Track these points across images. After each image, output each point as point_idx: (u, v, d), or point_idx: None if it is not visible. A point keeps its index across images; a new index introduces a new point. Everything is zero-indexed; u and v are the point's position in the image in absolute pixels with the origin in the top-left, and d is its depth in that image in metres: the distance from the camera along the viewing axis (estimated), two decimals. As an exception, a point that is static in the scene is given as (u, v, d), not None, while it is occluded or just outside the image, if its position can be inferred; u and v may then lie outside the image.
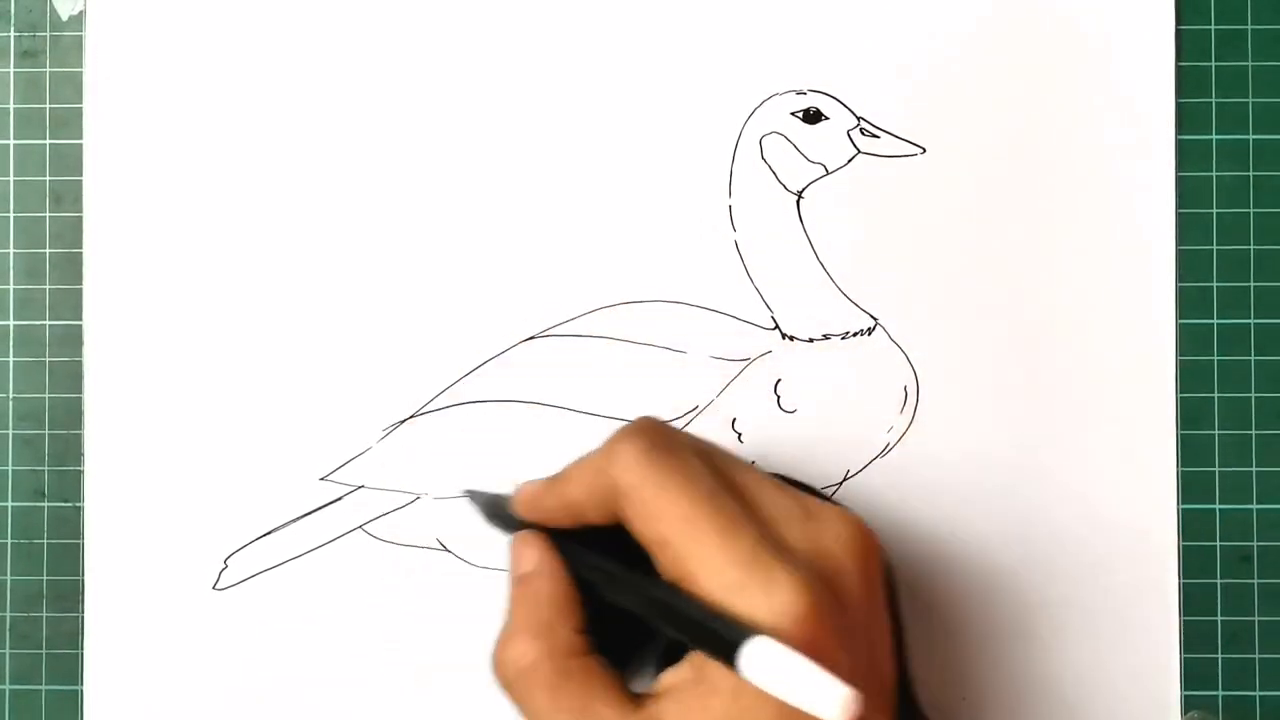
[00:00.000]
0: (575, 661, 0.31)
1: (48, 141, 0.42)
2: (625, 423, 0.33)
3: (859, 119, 0.42)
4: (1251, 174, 0.42)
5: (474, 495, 0.38)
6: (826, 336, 0.41)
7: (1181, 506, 0.41)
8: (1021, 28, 0.42)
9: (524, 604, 0.33)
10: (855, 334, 0.41)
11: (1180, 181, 0.42)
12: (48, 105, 0.42)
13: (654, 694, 0.31)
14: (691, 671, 0.30)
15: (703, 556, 0.30)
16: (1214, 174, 0.42)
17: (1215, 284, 0.42)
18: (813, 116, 0.42)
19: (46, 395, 0.42)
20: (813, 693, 0.27)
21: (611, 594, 0.32)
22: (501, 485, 0.40)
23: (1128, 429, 0.41)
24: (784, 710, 0.28)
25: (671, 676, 0.31)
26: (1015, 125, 0.42)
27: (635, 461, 0.31)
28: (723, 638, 0.28)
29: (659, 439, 0.32)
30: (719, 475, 0.31)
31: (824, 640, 0.29)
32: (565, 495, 0.33)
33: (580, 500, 0.32)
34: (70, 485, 0.42)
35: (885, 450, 0.41)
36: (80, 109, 0.42)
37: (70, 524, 0.42)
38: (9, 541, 0.42)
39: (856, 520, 0.32)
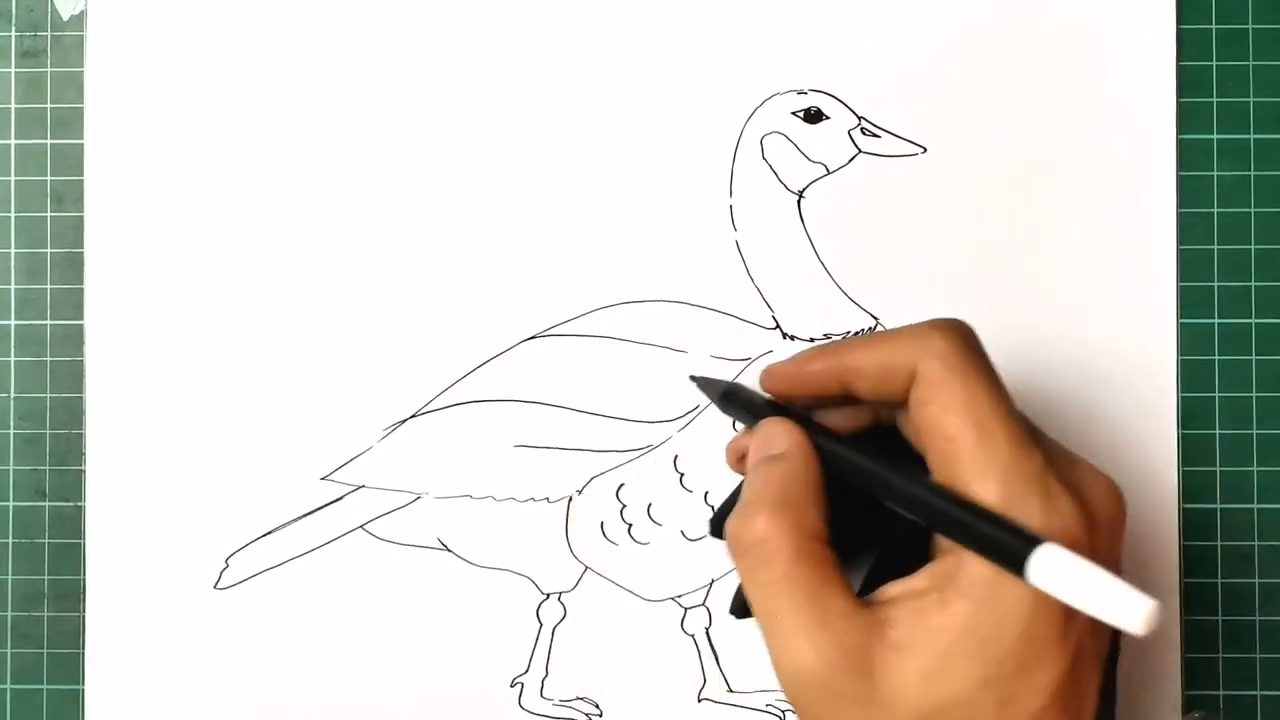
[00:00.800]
0: (816, 545, 0.31)
1: (49, 141, 0.42)
2: (936, 318, 0.32)
3: (860, 118, 0.42)
4: (1253, 173, 0.42)
5: (702, 381, 0.38)
6: (827, 336, 0.41)
7: (1183, 506, 0.41)
8: (1022, 27, 0.42)
9: (773, 482, 0.32)
10: (856, 333, 0.41)
11: (1181, 181, 0.42)
12: (49, 105, 0.42)
13: (881, 600, 0.30)
14: (929, 581, 0.30)
15: (991, 462, 0.29)
16: (1215, 173, 0.42)
17: (1216, 283, 0.42)
18: (814, 116, 0.42)
19: (48, 395, 0.42)
20: (1113, 602, 0.26)
21: (875, 491, 0.31)
22: (503, 486, 0.40)
23: (1129, 428, 0.41)
24: (1027, 628, 0.28)
25: (899, 586, 0.30)
26: (1016, 125, 0.42)
27: (950, 353, 0.31)
28: (1008, 541, 0.28)
29: (974, 342, 0.32)
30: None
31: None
32: (848, 359, 0.32)
33: (861, 367, 0.32)
34: (71, 485, 0.42)
35: (886, 450, 0.41)
36: (81, 109, 0.42)
37: (71, 523, 0.42)
38: (10, 541, 0.42)
39: (1114, 482, 0.32)
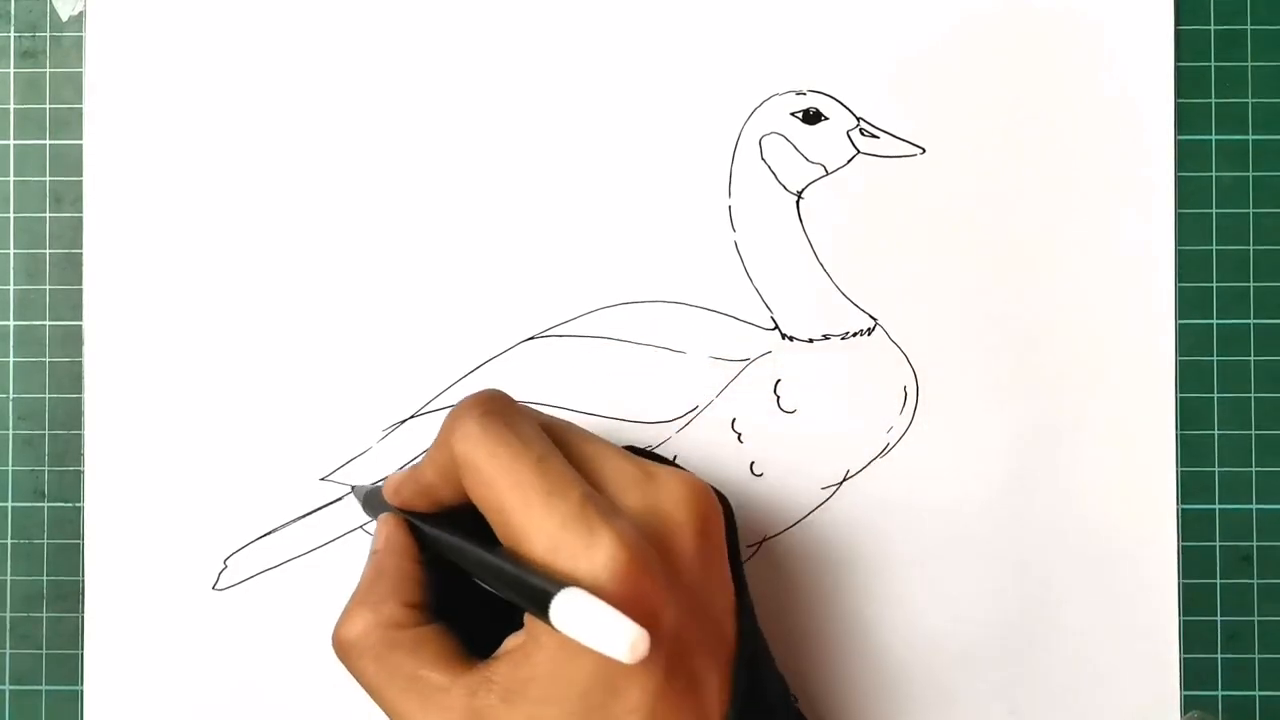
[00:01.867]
0: (403, 633, 0.33)
1: (48, 142, 0.42)
2: (464, 397, 0.34)
3: (858, 119, 0.42)
4: (1251, 174, 0.42)
5: (357, 490, 0.40)
6: (826, 337, 0.41)
7: (1181, 506, 0.41)
8: (1021, 29, 0.42)
9: (363, 581, 0.34)
10: (855, 334, 0.41)
11: (1179, 182, 0.42)
12: (48, 105, 0.42)
13: (493, 657, 0.32)
14: (525, 634, 0.31)
15: (530, 519, 0.30)
16: (1213, 174, 0.42)
17: (1215, 284, 0.42)
18: (812, 117, 0.42)
19: (46, 395, 0.42)
20: (607, 635, 0.28)
21: (460, 565, 0.33)
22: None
23: (1127, 429, 0.41)
24: (603, 664, 0.29)
25: (510, 641, 0.32)
26: (1014, 125, 0.42)
27: (472, 430, 0.32)
28: (537, 592, 0.29)
29: (495, 406, 0.33)
30: (559, 443, 0.33)
31: (646, 594, 0.30)
32: (420, 479, 0.34)
33: (433, 481, 0.33)
34: (70, 485, 0.42)
35: (885, 450, 0.41)
36: (80, 109, 0.42)
37: (70, 524, 0.42)
38: (9, 542, 0.42)
39: (696, 482, 0.33)
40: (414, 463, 0.35)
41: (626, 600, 0.29)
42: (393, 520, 0.35)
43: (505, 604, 0.32)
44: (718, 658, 0.32)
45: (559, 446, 0.33)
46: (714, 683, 0.32)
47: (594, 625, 0.28)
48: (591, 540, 0.30)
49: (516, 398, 0.41)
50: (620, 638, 0.27)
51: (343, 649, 0.33)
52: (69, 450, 0.42)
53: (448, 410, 0.41)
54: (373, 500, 0.37)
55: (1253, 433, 0.42)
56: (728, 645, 0.33)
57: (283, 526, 0.41)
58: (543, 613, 0.29)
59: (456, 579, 0.34)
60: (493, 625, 0.33)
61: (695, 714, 0.31)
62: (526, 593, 0.30)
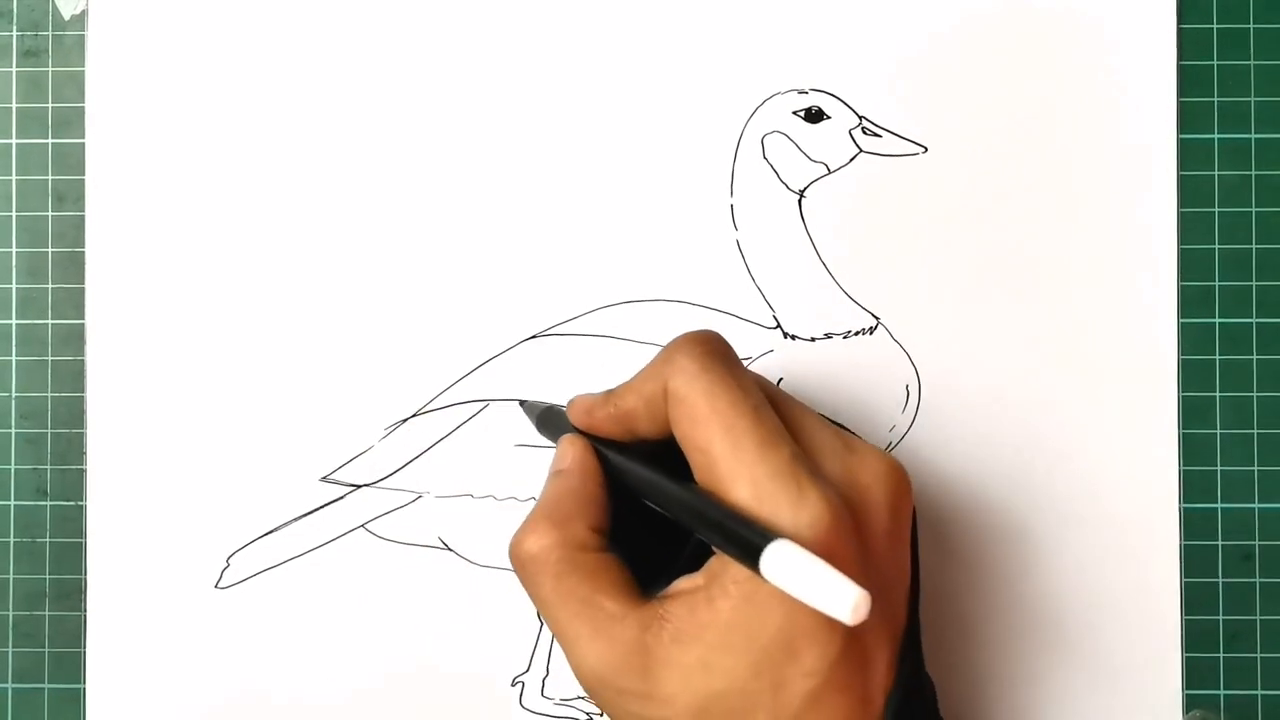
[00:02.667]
0: (585, 555, 0.33)
1: (50, 141, 0.42)
2: (683, 333, 0.34)
3: (861, 118, 0.42)
4: (1253, 173, 0.42)
5: (527, 405, 0.39)
6: (828, 335, 0.41)
7: (1183, 505, 0.41)
8: (1023, 28, 0.42)
9: (548, 496, 0.34)
10: (857, 333, 0.41)
11: (1182, 180, 0.42)
12: (50, 104, 0.42)
13: (665, 595, 0.32)
14: (704, 578, 0.31)
15: (740, 465, 0.30)
16: (1216, 173, 0.42)
17: (1217, 283, 0.42)
18: (814, 115, 0.42)
19: (49, 394, 0.42)
20: (827, 592, 0.27)
21: (651, 498, 0.33)
22: (502, 485, 0.40)
23: (1129, 428, 0.41)
24: (787, 622, 0.30)
25: (684, 582, 0.32)
26: (1017, 124, 0.42)
27: (691, 366, 0.32)
28: (747, 539, 0.29)
29: (716, 348, 0.33)
30: (769, 398, 0.32)
31: (843, 560, 0.29)
32: (620, 404, 0.34)
33: (634, 409, 0.33)
34: (72, 484, 0.42)
35: (887, 449, 0.41)
36: (82, 108, 0.42)
37: (72, 523, 0.42)
38: (11, 540, 0.42)
39: (893, 461, 0.33)
40: (606, 389, 0.35)
41: (824, 559, 0.28)
42: (580, 441, 0.35)
43: (672, 540, 0.32)
44: (889, 639, 0.32)
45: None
46: (881, 663, 0.32)
47: (812, 581, 0.28)
48: (800, 496, 0.30)
49: (518, 397, 0.41)
50: (844, 597, 0.27)
51: (520, 561, 0.33)
52: (71, 449, 0.42)
53: (448, 409, 0.41)
54: (550, 419, 0.37)
55: (1255, 432, 0.42)
56: (898, 628, 0.33)
57: (285, 525, 0.41)
58: (752, 561, 0.28)
59: (626, 509, 0.34)
60: (655, 559, 0.33)
61: (861, 690, 0.31)
62: (733, 538, 0.30)
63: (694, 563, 0.32)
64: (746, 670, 0.30)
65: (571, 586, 0.32)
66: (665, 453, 0.33)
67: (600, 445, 0.35)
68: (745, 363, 0.41)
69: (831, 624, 0.30)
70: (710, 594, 0.31)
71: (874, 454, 0.33)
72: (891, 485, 0.33)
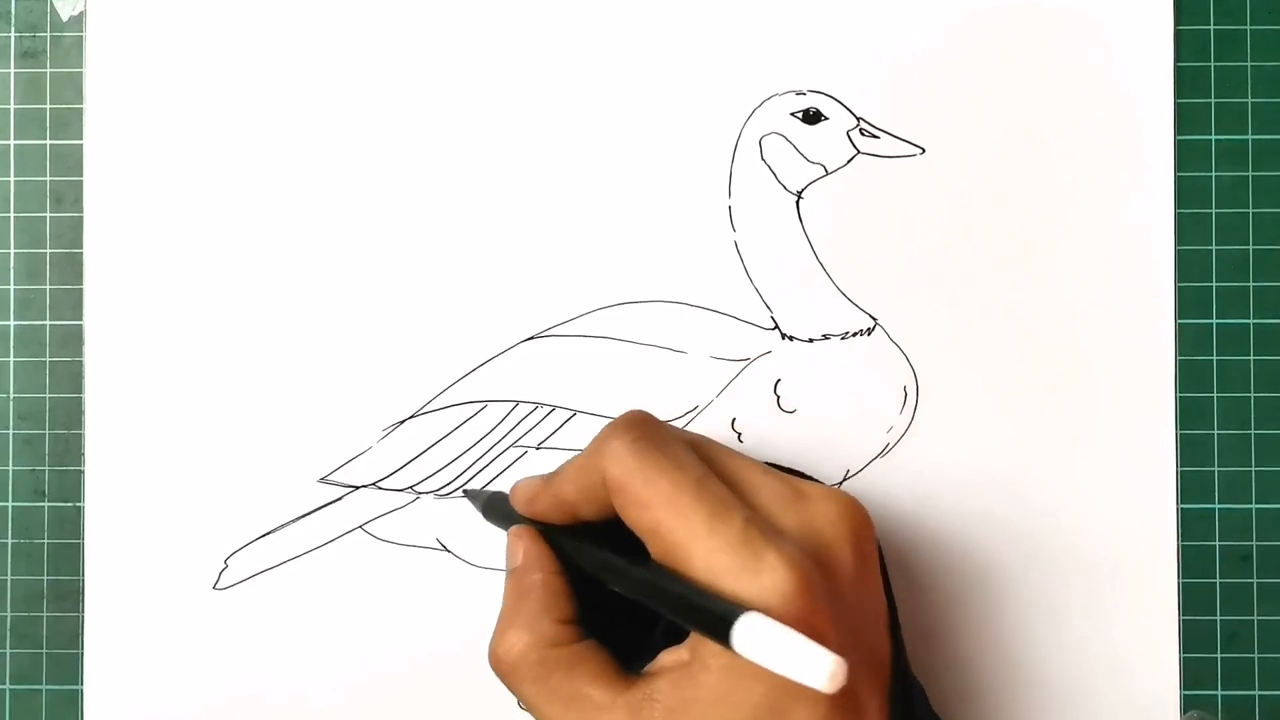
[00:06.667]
0: (561, 651, 0.32)
1: (48, 142, 0.42)
2: (613, 418, 0.33)
3: (858, 119, 0.42)
4: (1250, 174, 0.42)
5: (471, 494, 0.39)
6: (826, 336, 0.41)
7: (1181, 506, 0.42)
8: (1020, 28, 0.42)
9: (512, 598, 0.34)
10: (855, 334, 0.41)
11: (1179, 181, 0.42)
12: (48, 105, 0.42)
13: (650, 673, 0.32)
14: (688, 652, 0.31)
15: (693, 542, 0.30)
16: (1213, 174, 0.42)
17: (1214, 284, 0.42)
18: (812, 117, 0.42)
19: (47, 395, 0.42)
20: (802, 663, 0.27)
21: (611, 582, 0.32)
22: (499, 485, 0.40)
23: (1127, 428, 0.41)
24: (773, 686, 0.29)
25: (669, 657, 0.31)
26: (1014, 125, 0.42)
27: (624, 453, 0.32)
28: (715, 615, 0.29)
29: (647, 430, 0.32)
30: (708, 463, 0.32)
31: (814, 617, 0.29)
32: (559, 493, 0.34)
33: (573, 497, 0.33)
34: (70, 485, 0.42)
35: (885, 450, 0.41)
36: (81, 109, 0.42)
37: (70, 524, 0.42)
38: (9, 541, 0.42)
39: (847, 499, 0.33)
40: (547, 474, 0.35)
41: (795, 624, 0.28)
42: (528, 533, 0.34)
43: (644, 616, 0.32)
44: (877, 675, 0.32)
45: (708, 466, 0.32)
46: (874, 702, 0.31)
47: (784, 652, 0.27)
48: (758, 564, 0.29)
49: (517, 397, 0.41)
50: (819, 666, 0.27)
51: (502, 671, 0.33)
52: (69, 450, 0.42)
53: (447, 410, 0.41)
54: (496, 508, 0.37)
55: (1252, 432, 0.42)
56: (884, 660, 0.32)
57: (283, 526, 0.41)
58: (722, 637, 0.28)
59: (590, 588, 0.34)
60: (631, 633, 0.33)
61: None
62: (699, 616, 0.29)
63: (673, 633, 0.32)
64: None
65: (555, 685, 0.32)
66: (617, 530, 0.32)
67: (549, 531, 0.34)
68: (743, 363, 0.41)
69: None
70: (692, 670, 0.30)
71: (827, 497, 0.33)
72: (850, 526, 0.32)
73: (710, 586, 0.30)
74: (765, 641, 0.28)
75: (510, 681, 0.33)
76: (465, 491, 0.40)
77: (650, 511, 0.31)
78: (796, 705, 0.30)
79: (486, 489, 0.39)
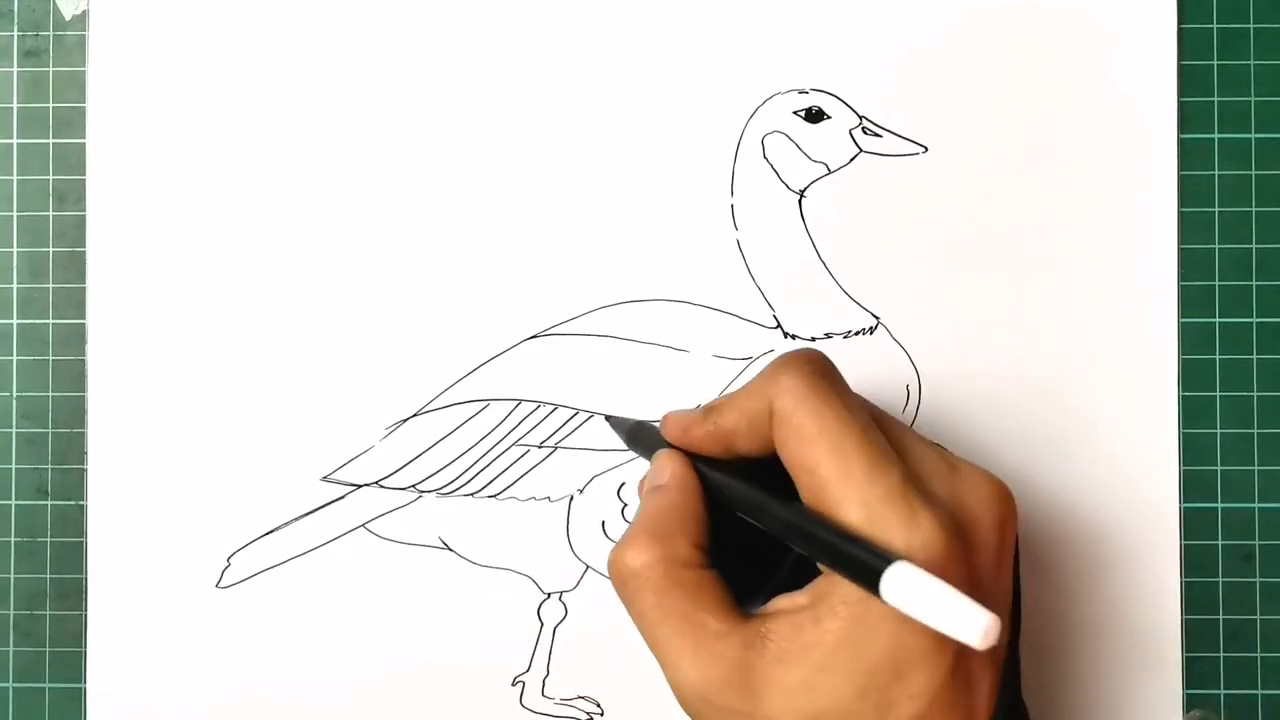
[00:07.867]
0: (687, 572, 0.32)
1: (51, 140, 0.42)
2: (786, 352, 0.33)
3: (861, 118, 0.42)
4: (1254, 173, 0.42)
5: (614, 421, 0.39)
6: (829, 335, 0.41)
7: (1183, 505, 0.41)
8: (1023, 27, 0.42)
9: (649, 512, 0.33)
10: (857, 333, 0.41)
11: (1182, 180, 0.42)
12: (51, 104, 0.42)
13: (765, 613, 0.31)
14: (809, 598, 0.31)
15: (850, 486, 0.30)
16: (1216, 173, 0.42)
17: (1217, 283, 0.42)
18: (815, 115, 0.42)
19: (50, 394, 0.42)
20: (955, 617, 0.27)
21: (756, 518, 0.32)
22: (501, 485, 0.40)
23: (1129, 427, 0.41)
24: (896, 645, 0.29)
25: (785, 600, 0.31)
26: (1017, 124, 0.42)
27: (797, 387, 0.32)
28: (864, 561, 0.29)
29: (822, 368, 0.32)
30: (873, 417, 0.32)
31: (954, 584, 0.29)
32: (720, 423, 0.33)
33: (734, 427, 0.33)
34: (73, 484, 0.42)
35: (887, 449, 0.41)
36: (83, 108, 0.42)
37: (73, 522, 0.42)
38: (12, 540, 0.42)
39: (999, 483, 0.32)
40: (704, 405, 0.34)
41: None
42: (679, 456, 0.34)
43: (766, 556, 0.32)
44: (992, 664, 0.32)
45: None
46: (985, 687, 0.31)
47: (937, 604, 0.27)
48: (913, 519, 0.29)
49: (519, 396, 0.41)
50: (974, 621, 0.27)
51: (622, 577, 0.33)
52: (72, 448, 0.42)
53: (449, 409, 0.41)
54: (641, 434, 0.37)
55: (1255, 431, 0.42)
56: (1000, 653, 0.32)
57: (286, 525, 0.41)
58: (870, 583, 0.28)
59: (718, 525, 0.33)
60: (749, 575, 0.33)
61: (965, 714, 0.31)
62: (849, 560, 0.29)
63: (791, 580, 0.32)
64: (851, 691, 0.30)
65: (673, 603, 0.32)
66: (762, 470, 0.33)
67: (697, 461, 0.34)
68: (745, 362, 0.41)
69: (940, 647, 0.29)
70: (817, 614, 0.30)
71: (980, 475, 0.32)
72: (998, 508, 0.32)
73: (860, 533, 0.30)
74: (916, 593, 0.27)
75: (627, 589, 0.32)
76: (608, 418, 0.40)
77: (813, 448, 0.31)
78: (916, 667, 0.30)
79: (629, 418, 0.39)
